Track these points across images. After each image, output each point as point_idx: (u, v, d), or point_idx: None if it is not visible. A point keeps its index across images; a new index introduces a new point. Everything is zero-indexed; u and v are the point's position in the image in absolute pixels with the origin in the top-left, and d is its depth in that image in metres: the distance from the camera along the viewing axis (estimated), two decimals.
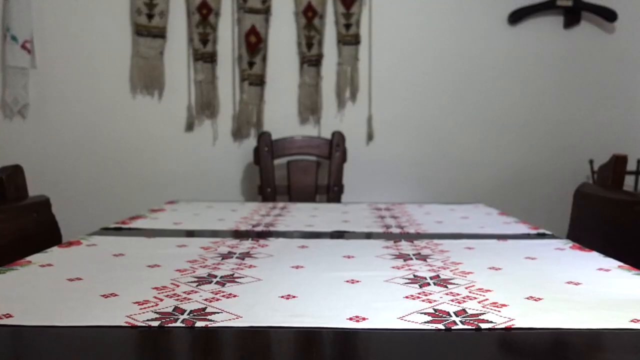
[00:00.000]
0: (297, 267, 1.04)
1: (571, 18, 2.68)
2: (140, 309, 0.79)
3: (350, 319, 0.75)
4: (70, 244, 1.21)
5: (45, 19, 2.64)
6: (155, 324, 0.73)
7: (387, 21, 2.71)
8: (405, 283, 0.93)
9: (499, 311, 0.78)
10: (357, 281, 0.94)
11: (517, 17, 2.68)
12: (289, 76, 2.70)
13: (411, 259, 1.11)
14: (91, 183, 2.70)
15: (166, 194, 2.47)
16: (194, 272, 1.00)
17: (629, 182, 2.53)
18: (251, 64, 2.67)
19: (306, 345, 0.72)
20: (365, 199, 2.52)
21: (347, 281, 0.94)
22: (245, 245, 1.23)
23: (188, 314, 0.77)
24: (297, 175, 2.58)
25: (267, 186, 2.53)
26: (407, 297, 0.85)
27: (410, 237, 1.33)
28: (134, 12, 2.61)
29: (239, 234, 1.39)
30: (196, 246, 1.20)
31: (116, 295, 0.85)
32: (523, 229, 1.46)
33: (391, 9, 2.71)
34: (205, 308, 0.80)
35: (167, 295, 0.85)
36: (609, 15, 2.66)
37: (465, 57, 2.73)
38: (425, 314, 0.77)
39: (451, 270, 1.01)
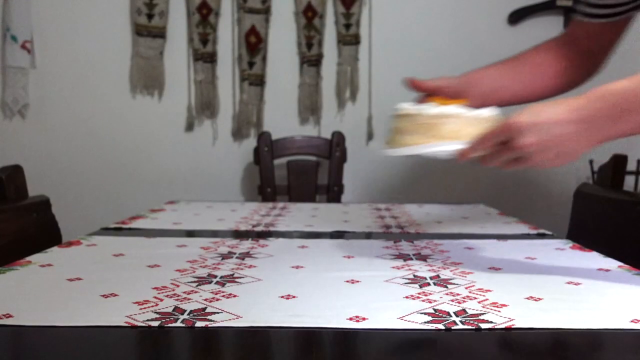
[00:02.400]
0: (297, 267, 1.04)
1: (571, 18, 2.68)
2: (140, 309, 0.79)
3: (350, 319, 0.75)
4: (70, 244, 1.21)
5: (45, 19, 2.64)
6: (155, 324, 0.73)
7: (387, 21, 2.71)
8: (405, 283, 0.93)
9: (499, 311, 0.78)
10: (357, 281, 0.94)
11: (517, 17, 2.68)
12: (289, 76, 2.70)
13: (411, 259, 1.11)
14: (91, 183, 2.70)
15: (166, 194, 2.47)
16: (194, 272, 1.00)
17: (629, 182, 2.53)
18: (251, 64, 2.68)
19: (306, 345, 0.72)
20: (365, 199, 2.52)
21: (347, 281, 0.94)
22: (245, 245, 1.23)
23: (188, 314, 0.77)
24: (297, 175, 2.58)
25: (267, 186, 2.53)
26: (407, 297, 0.85)
27: (410, 237, 1.33)
28: (134, 12, 2.61)
29: (239, 234, 1.39)
30: (196, 246, 1.20)
31: (116, 295, 0.85)
32: (523, 229, 1.46)
33: (391, 9, 2.71)
34: (205, 308, 0.80)
35: (167, 295, 0.85)
36: None
37: (465, 57, 2.72)
38: (425, 314, 0.77)
39: (451, 270, 1.01)
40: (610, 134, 0.88)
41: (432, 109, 0.97)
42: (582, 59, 1.30)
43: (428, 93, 1.19)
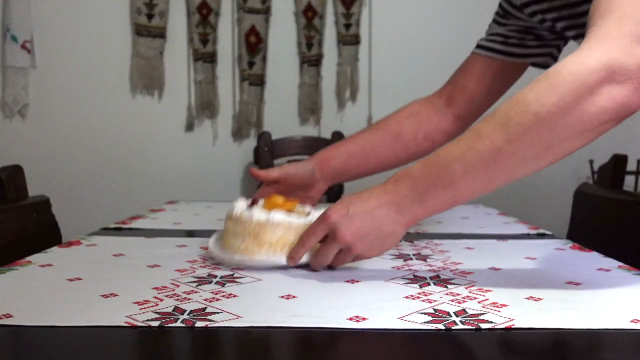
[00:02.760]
0: (297, 267, 1.03)
1: None
2: (140, 309, 0.79)
3: (350, 319, 0.75)
4: (70, 244, 1.21)
5: (45, 19, 2.64)
6: (155, 324, 0.73)
7: (387, 21, 2.71)
8: (405, 283, 0.93)
9: (499, 311, 0.78)
10: (357, 281, 0.94)
11: None
12: (289, 76, 2.71)
13: (411, 259, 1.11)
14: (91, 183, 2.70)
15: (166, 194, 2.47)
16: (194, 272, 1.00)
17: (629, 182, 2.54)
18: (251, 64, 2.68)
19: (306, 345, 0.72)
20: None
21: (347, 281, 0.94)
22: None
23: (188, 314, 0.77)
24: None
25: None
26: (407, 297, 0.85)
27: (410, 237, 1.33)
28: (134, 12, 2.62)
29: None
30: (196, 246, 1.20)
31: (116, 295, 0.85)
32: (523, 229, 1.46)
33: (391, 9, 2.71)
34: (205, 308, 0.80)
35: (167, 295, 0.85)
36: None
37: (465, 57, 2.73)
38: (425, 314, 0.77)
39: (451, 270, 1.01)
40: (420, 213, 0.92)
41: (261, 215, 1.00)
42: (453, 119, 1.32)
43: (271, 182, 1.22)
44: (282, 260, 0.99)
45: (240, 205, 1.05)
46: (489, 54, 1.30)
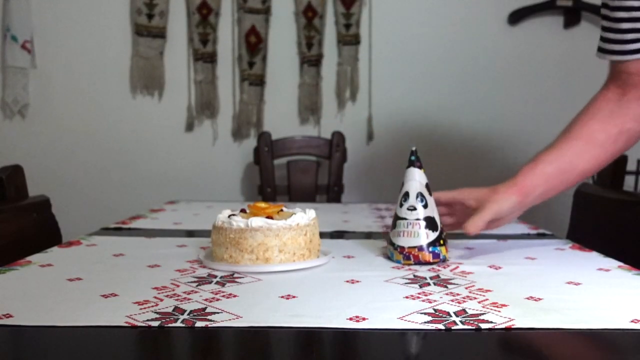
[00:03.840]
0: (296, 268, 1.03)
1: (571, 18, 2.68)
2: (140, 309, 0.79)
3: (350, 319, 0.75)
4: (70, 244, 1.21)
5: (45, 19, 2.64)
6: (155, 324, 0.73)
7: (387, 21, 2.71)
8: (405, 283, 0.93)
9: (499, 311, 0.78)
10: (357, 281, 0.94)
11: (517, 17, 2.68)
12: (289, 76, 2.70)
13: None
14: (91, 183, 2.70)
15: (166, 194, 2.47)
16: (194, 272, 1.00)
17: (629, 182, 2.53)
18: (251, 64, 2.68)
19: (306, 345, 0.72)
20: (365, 199, 2.52)
21: (347, 281, 0.94)
22: None
23: (188, 314, 0.77)
24: (297, 175, 2.58)
25: (267, 186, 2.53)
26: (407, 297, 0.85)
27: None
28: (134, 12, 2.61)
29: None
30: (196, 246, 1.21)
31: (116, 295, 0.85)
32: (523, 228, 1.46)
33: (391, 9, 2.71)
34: (205, 308, 0.80)
35: (167, 295, 0.85)
36: None
37: (465, 57, 2.73)
38: (425, 314, 0.77)
39: (451, 270, 1.01)
40: None
41: (240, 222, 1.02)
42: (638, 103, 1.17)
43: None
44: (266, 268, 1.00)
45: (223, 215, 1.07)
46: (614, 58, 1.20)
